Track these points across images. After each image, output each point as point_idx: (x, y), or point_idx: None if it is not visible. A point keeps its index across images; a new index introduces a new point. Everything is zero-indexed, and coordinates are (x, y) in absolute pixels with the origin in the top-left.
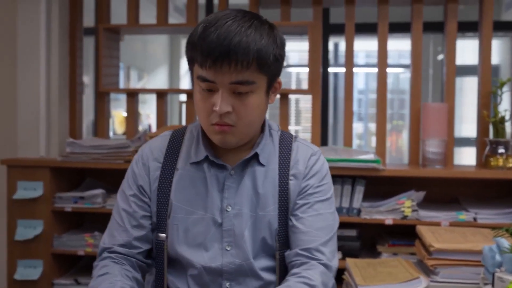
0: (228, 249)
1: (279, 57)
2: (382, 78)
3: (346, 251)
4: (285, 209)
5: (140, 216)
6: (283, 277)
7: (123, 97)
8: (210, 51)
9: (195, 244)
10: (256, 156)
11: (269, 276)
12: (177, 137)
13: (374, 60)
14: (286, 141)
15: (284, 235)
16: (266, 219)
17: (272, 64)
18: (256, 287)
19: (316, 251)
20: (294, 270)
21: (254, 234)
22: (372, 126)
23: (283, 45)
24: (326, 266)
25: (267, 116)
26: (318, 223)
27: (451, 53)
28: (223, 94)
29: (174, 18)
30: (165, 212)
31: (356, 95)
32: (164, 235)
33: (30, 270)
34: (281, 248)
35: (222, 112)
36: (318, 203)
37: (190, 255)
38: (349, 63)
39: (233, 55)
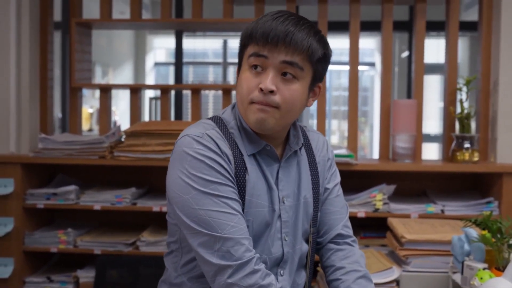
0: (286, 239)
1: (326, 58)
2: (353, 75)
3: None
4: (317, 194)
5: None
6: (313, 258)
7: (88, 93)
8: (271, 30)
9: (263, 236)
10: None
11: (304, 259)
12: (223, 126)
13: (337, 58)
14: (302, 130)
15: (316, 218)
16: (306, 206)
17: (320, 60)
18: (297, 269)
19: (346, 227)
20: (340, 254)
21: (300, 221)
22: (334, 124)
23: (330, 53)
24: (354, 241)
25: None
26: (341, 202)
27: (419, 52)
28: (271, 73)
29: None
30: (243, 205)
31: None
32: None
33: (1, 269)
34: (314, 231)
35: (267, 90)
36: (337, 185)
37: (258, 248)
38: None
39: (290, 38)
